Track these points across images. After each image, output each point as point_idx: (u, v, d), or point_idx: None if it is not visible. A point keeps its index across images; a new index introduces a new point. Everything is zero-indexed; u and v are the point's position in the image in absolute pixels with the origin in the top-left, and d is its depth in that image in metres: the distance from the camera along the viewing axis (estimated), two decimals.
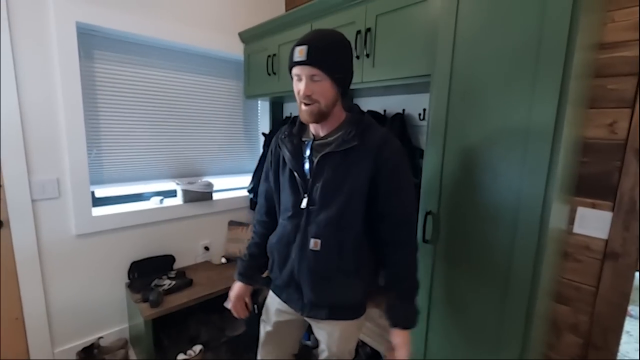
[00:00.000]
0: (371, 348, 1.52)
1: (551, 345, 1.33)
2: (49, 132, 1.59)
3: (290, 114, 2.40)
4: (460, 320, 1.14)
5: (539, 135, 0.91)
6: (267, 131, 2.37)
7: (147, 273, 1.93)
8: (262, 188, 1.18)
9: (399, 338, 0.96)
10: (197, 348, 1.78)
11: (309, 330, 1.17)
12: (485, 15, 1.00)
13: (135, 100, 1.90)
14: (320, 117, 0.92)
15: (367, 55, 1.43)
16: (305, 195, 0.97)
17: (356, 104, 1.03)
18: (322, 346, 1.12)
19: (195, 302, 1.78)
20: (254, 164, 2.34)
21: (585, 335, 1.25)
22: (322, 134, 0.98)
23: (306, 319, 1.09)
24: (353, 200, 0.93)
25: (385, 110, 1.74)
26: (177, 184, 2.10)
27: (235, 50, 2.19)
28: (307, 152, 0.99)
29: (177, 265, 2.13)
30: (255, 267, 1.18)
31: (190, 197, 2.10)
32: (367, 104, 1.85)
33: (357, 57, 1.45)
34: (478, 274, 1.08)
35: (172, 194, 2.18)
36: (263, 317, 1.20)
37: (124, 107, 1.86)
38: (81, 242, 1.75)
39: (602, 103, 1.16)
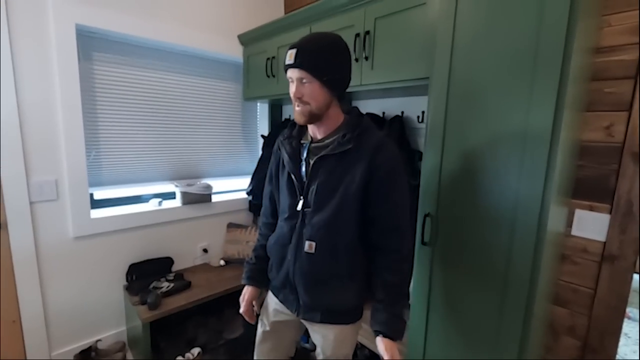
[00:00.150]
0: (370, 350, 1.52)
1: (549, 348, 1.33)
2: (48, 133, 1.59)
3: (290, 116, 2.41)
4: (459, 322, 1.15)
5: (536, 138, 0.91)
6: (266, 133, 2.37)
7: (145, 275, 1.92)
8: (266, 190, 1.19)
9: (381, 346, 0.93)
10: (195, 351, 1.78)
11: (307, 333, 1.17)
12: (483, 19, 1.00)
13: (134, 102, 1.90)
14: (312, 118, 0.94)
15: (366, 58, 1.44)
16: (301, 197, 0.98)
17: (356, 107, 1.03)
18: (318, 349, 1.12)
19: (194, 304, 1.78)
20: (252, 166, 2.34)
21: (582, 337, 1.25)
22: (319, 137, 0.99)
23: (302, 321, 1.09)
24: (347, 204, 0.93)
25: (384, 113, 1.75)
26: (176, 185, 2.10)
27: (235, 52, 2.20)
28: (304, 155, 1.00)
29: (176, 267, 2.12)
30: (262, 269, 1.17)
31: (189, 199, 2.10)
32: (366, 106, 1.86)
33: (356, 60, 1.46)
34: (476, 276, 1.08)
35: (170, 196, 2.18)
36: (261, 316, 1.21)
37: (123, 108, 1.86)
38: (79, 244, 1.75)
39: (599, 106, 1.17)
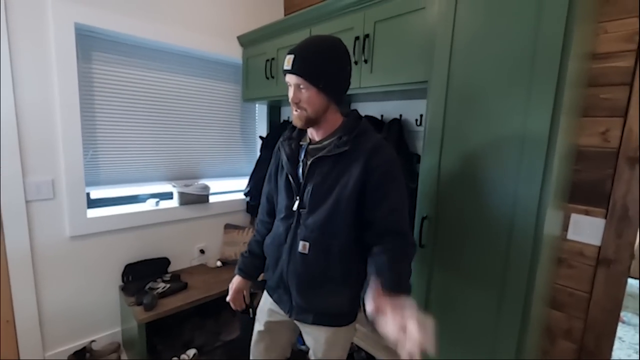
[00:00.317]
0: (366, 353, 1.51)
1: (545, 351, 1.34)
2: (45, 132, 1.58)
3: (288, 117, 2.41)
4: (456, 325, 1.15)
5: (534, 142, 0.92)
6: (264, 134, 2.37)
7: (141, 276, 1.91)
8: (265, 188, 1.21)
9: (396, 306, 0.76)
10: (191, 352, 1.77)
11: None
12: (481, 24, 1.01)
13: (133, 102, 1.89)
14: (309, 123, 0.95)
15: (365, 61, 1.44)
16: (297, 198, 0.99)
17: (355, 110, 1.03)
18: (310, 351, 1.13)
19: (190, 305, 1.77)
20: (250, 167, 2.34)
21: (578, 341, 1.26)
22: (317, 139, 1.00)
23: (295, 322, 1.10)
24: (341, 206, 0.93)
25: (382, 116, 1.76)
26: (174, 186, 2.09)
27: (234, 53, 2.20)
28: (302, 156, 1.01)
29: (172, 268, 2.11)
30: (254, 264, 1.21)
31: (187, 199, 2.09)
32: (365, 109, 1.86)
33: (356, 63, 1.47)
34: (473, 279, 1.09)
35: (168, 196, 2.17)
36: (257, 316, 1.22)
37: (121, 108, 1.86)
38: (75, 243, 1.74)
39: (595, 112, 1.18)
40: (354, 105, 1.94)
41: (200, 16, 2.03)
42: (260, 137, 2.32)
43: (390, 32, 1.37)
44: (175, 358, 1.74)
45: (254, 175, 2.25)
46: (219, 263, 2.23)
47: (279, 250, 1.04)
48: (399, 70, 1.35)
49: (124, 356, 1.88)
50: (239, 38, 2.19)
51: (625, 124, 1.12)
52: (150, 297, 1.66)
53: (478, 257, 1.07)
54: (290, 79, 0.91)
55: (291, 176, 1.01)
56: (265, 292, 1.19)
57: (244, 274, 1.22)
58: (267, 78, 1.99)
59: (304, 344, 1.84)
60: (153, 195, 2.12)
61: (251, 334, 1.24)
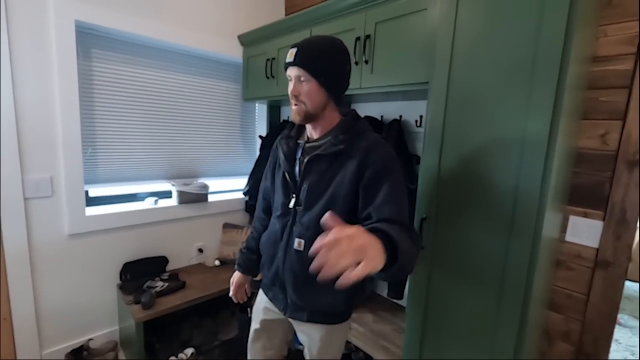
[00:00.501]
0: (364, 353, 1.52)
1: (543, 353, 1.34)
2: (44, 130, 1.58)
3: (288, 117, 2.41)
4: (454, 326, 1.15)
5: (533, 144, 0.92)
6: (264, 134, 2.37)
7: (139, 274, 1.91)
8: (262, 186, 1.23)
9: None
10: (189, 351, 1.77)
11: None
12: (482, 27, 1.01)
13: (133, 100, 1.89)
14: (307, 118, 0.95)
15: (366, 62, 1.45)
16: (294, 195, 1.00)
17: (353, 110, 1.04)
18: (305, 350, 1.13)
19: (188, 304, 1.77)
20: (250, 167, 2.33)
21: (576, 343, 1.26)
22: (315, 137, 1.01)
23: (289, 319, 1.10)
24: (336, 204, 0.93)
25: (382, 116, 1.76)
26: (173, 184, 2.09)
27: (234, 53, 2.20)
28: (299, 154, 1.02)
29: (170, 267, 2.11)
30: (252, 260, 1.24)
31: (185, 198, 2.09)
32: (365, 109, 1.87)
33: (356, 63, 1.47)
34: (472, 280, 1.09)
35: (167, 194, 2.17)
36: (253, 314, 1.23)
37: (121, 106, 1.85)
38: (73, 241, 1.73)
39: (594, 114, 1.18)
40: (354, 106, 1.95)
41: (201, 15, 2.03)
42: (260, 137, 2.32)
43: (391, 33, 1.37)
44: (173, 357, 1.73)
45: (253, 175, 2.25)
46: (217, 262, 2.22)
47: (274, 248, 1.05)
48: (399, 71, 1.35)
49: (121, 355, 1.87)
50: (239, 37, 2.19)
51: (624, 127, 1.13)
52: (148, 296, 1.66)
53: (477, 259, 1.07)
54: (292, 71, 0.92)
55: (288, 174, 1.02)
56: (260, 291, 1.19)
57: (242, 269, 1.26)
58: (268, 78, 1.99)
59: (301, 343, 1.85)
60: (152, 194, 2.11)
61: (249, 334, 1.25)
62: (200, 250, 2.25)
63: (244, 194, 2.30)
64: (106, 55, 1.77)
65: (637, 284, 3.29)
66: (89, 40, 1.71)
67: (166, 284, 1.82)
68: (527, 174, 0.94)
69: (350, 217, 0.93)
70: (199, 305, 1.84)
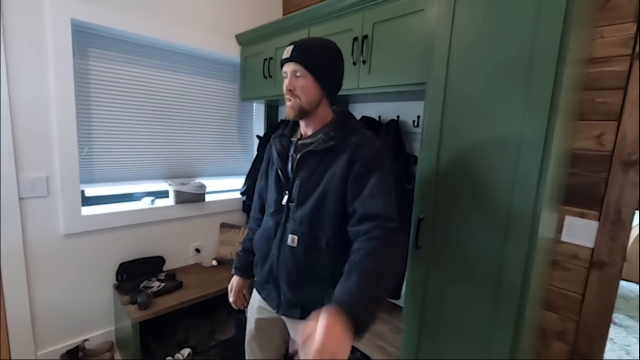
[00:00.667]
0: (361, 353, 1.52)
1: (539, 353, 1.35)
2: (40, 129, 1.56)
3: (285, 116, 2.40)
4: (451, 326, 1.15)
5: (530, 145, 0.93)
6: (261, 134, 2.37)
7: (136, 274, 1.90)
8: (258, 186, 1.23)
9: (323, 322, 0.65)
10: (185, 351, 1.76)
11: None
12: (479, 28, 1.02)
13: (130, 99, 1.88)
14: (301, 113, 0.96)
15: (364, 62, 1.45)
16: (286, 192, 1.01)
17: (346, 109, 1.05)
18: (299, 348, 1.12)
19: (185, 305, 1.76)
20: (247, 166, 2.33)
21: (571, 342, 1.27)
22: (308, 134, 1.02)
23: (282, 317, 1.10)
24: (327, 200, 0.94)
25: (380, 117, 1.76)
26: (170, 184, 2.08)
27: (232, 52, 2.19)
28: (292, 151, 1.03)
29: (167, 267, 2.10)
30: (249, 261, 1.22)
31: (182, 198, 2.08)
32: (363, 110, 1.87)
33: (354, 64, 1.47)
34: (469, 280, 1.09)
35: (164, 194, 2.16)
36: (247, 314, 1.23)
37: (118, 105, 1.84)
38: (69, 241, 1.72)
39: (590, 115, 1.19)
40: (352, 106, 1.95)
41: (199, 14, 2.02)
42: (258, 137, 2.32)
43: (389, 34, 1.37)
44: (170, 358, 1.73)
45: (251, 175, 2.25)
46: (214, 262, 2.22)
47: (268, 245, 1.05)
48: (397, 72, 1.35)
49: (117, 355, 1.86)
50: (237, 37, 2.18)
51: (619, 128, 1.13)
52: (144, 296, 1.65)
53: (473, 259, 1.08)
54: (288, 67, 0.94)
55: (281, 171, 1.03)
56: (254, 290, 1.20)
57: (240, 272, 1.24)
58: (265, 77, 1.99)
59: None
60: (148, 194, 2.10)
61: (245, 334, 1.24)
62: (197, 250, 2.24)
63: (242, 193, 2.30)
64: (103, 54, 1.76)
65: (632, 284, 3.32)
66: (86, 39, 1.70)
67: (163, 284, 1.81)
68: (523, 175, 0.95)
69: (340, 210, 0.94)
70: (195, 306, 1.83)
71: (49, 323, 1.71)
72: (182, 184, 2.10)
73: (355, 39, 1.46)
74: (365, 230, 0.86)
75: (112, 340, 1.90)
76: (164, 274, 1.96)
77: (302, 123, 1.03)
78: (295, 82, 0.94)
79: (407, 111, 1.66)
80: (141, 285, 1.80)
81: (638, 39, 1.09)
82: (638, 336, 2.53)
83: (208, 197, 2.24)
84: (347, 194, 0.92)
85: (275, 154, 1.06)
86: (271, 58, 1.94)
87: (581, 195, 1.22)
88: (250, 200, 2.26)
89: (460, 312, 1.12)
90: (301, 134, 1.05)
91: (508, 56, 0.96)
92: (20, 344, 1.62)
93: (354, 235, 0.89)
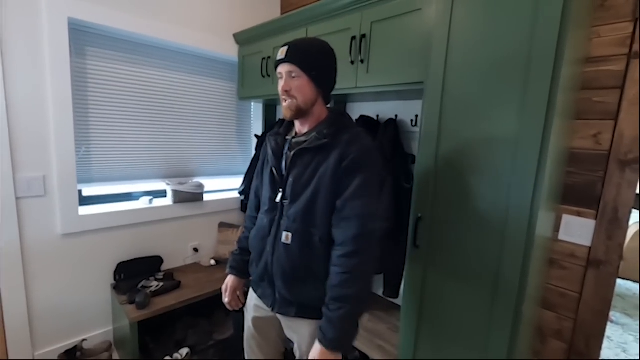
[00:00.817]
0: (360, 352, 1.52)
1: (536, 351, 1.35)
2: (37, 128, 1.56)
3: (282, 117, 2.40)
4: (449, 325, 1.16)
5: (527, 144, 0.93)
6: (259, 133, 2.36)
7: (134, 274, 1.89)
8: (253, 185, 1.23)
9: (314, 351, 0.92)
10: (184, 351, 1.76)
11: None
12: (477, 27, 1.02)
13: (127, 99, 1.87)
14: (298, 113, 0.98)
15: (362, 61, 1.45)
16: (280, 189, 1.02)
17: (339, 108, 1.05)
18: (295, 346, 1.13)
19: (183, 304, 1.76)
20: (245, 166, 2.33)
21: (568, 340, 1.27)
22: (303, 132, 1.03)
23: (277, 316, 1.10)
24: (320, 197, 0.95)
25: (378, 116, 1.76)
26: (168, 184, 2.08)
27: (230, 51, 2.19)
28: (286, 149, 1.04)
29: (165, 266, 2.10)
30: (245, 261, 1.21)
31: (181, 197, 2.07)
32: (361, 109, 1.87)
33: (352, 63, 1.47)
34: (467, 279, 1.10)
35: (162, 194, 2.16)
36: (245, 313, 1.24)
37: (116, 105, 1.83)
38: (66, 241, 1.71)
39: (587, 115, 1.20)
40: (350, 106, 1.95)
41: (196, 13, 2.01)
42: (256, 136, 2.31)
43: (387, 33, 1.37)
44: (168, 357, 1.72)
45: (249, 174, 2.25)
46: (212, 262, 2.21)
47: (263, 243, 1.06)
48: (395, 71, 1.35)
49: (115, 355, 1.86)
50: (235, 36, 2.18)
51: (616, 127, 1.14)
52: (142, 296, 1.64)
53: (471, 258, 1.08)
54: (283, 68, 0.95)
55: (275, 169, 1.04)
56: (250, 289, 1.20)
57: (236, 271, 1.23)
58: (263, 77, 1.99)
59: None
60: (146, 193, 2.10)
61: (244, 333, 1.25)
62: (196, 250, 2.24)
63: (240, 193, 2.30)
64: (100, 53, 1.76)
65: (629, 282, 3.34)
66: (83, 38, 1.69)
67: (161, 284, 1.81)
68: (521, 174, 0.95)
69: (332, 206, 0.96)
70: (193, 305, 1.83)
71: (46, 323, 1.70)
72: (180, 183, 2.09)
73: (354, 38, 1.46)
74: (342, 239, 0.92)
75: (110, 340, 1.90)
76: (162, 273, 1.95)
77: (297, 122, 1.04)
78: (291, 83, 0.95)
79: (406, 110, 1.67)
80: (139, 285, 1.80)
81: (635, 39, 1.09)
82: (635, 334, 2.54)
83: (206, 197, 2.24)
84: (337, 191, 0.94)
85: (270, 152, 1.07)
86: (269, 57, 1.93)
87: (578, 194, 1.23)
88: (248, 200, 2.26)
89: (458, 311, 1.13)
90: (296, 132, 1.06)
91: (506, 55, 0.96)
92: (18, 344, 1.61)
93: (335, 236, 0.95)
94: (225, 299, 1.22)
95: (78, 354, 1.70)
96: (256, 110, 2.48)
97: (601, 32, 1.15)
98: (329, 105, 1.07)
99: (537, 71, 0.90)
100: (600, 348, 1.21)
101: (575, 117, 1.22)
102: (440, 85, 1.11)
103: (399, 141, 1.61)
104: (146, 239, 2.01)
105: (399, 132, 1.63)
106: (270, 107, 2.45)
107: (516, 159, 0.96)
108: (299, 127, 1.05)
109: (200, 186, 2.16)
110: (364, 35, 1.43)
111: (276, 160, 1.05)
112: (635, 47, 1.09)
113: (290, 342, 1.15)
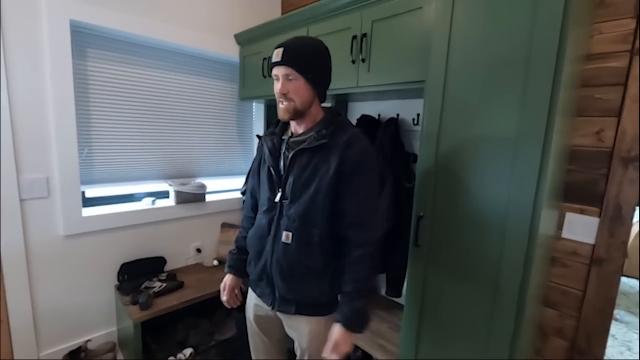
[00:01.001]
0: (363, 351, 1.52)
1: (537, 349, 1.35)
2: (39, 130, 1.57)
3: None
4: (450, 324, 1.16)
5: (529, 142, 0.93)
6: (261, 133, 2.37)
7: (137, 275, 1.90)
8: (249, 184, 1.24)
9: (334, 332, 0.97)
10: (187, 351, 1.76)
11: None
12: (478, 25, 1.02)
13: (129, 100, 1.88)
14: (296, 114, 0.98)
15: (363, 60, 1.44)
16: (279, 189, 1.03)
17: (335, 108, 1.06)
18: (295, 344, 1.14)
19: (186, 304, 1.77)
20: (247, 166, 2.33)
21: (571, 339, 1.27)
22: (299, 132, 1.04)
23: (277, 314, 1.10)
24: (320, 196, 0.96)
25: (379, 115, 1.76)
26: (170, 184, 2.08)
27: (231, 52, 2.19)
28: (283, 149, 1.05)
29: (168, 267, 2.10)
30: (243, 260, 1.21)
31: (183, 198, 2.08)
32: (362, 108, 1.87)
33: (353, 62, 1.47)
34: (468, 278, 1.10)
35: (164, 195, 2.16)
36: (246, 313, 1.24)
37: (118, 106, 1.84)
38: (70, 242, 1.72)
39: (589, 112, 1.19)
40: (351, 105, 1.95)
41: (197, 14, 2.02)
42: (258, 136, 2.31)
43: (388, 32, 1.37)
44: (172, 357, 1.73)
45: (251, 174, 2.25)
46: (215, 262, 2.22)
47: (262, 242, 1.06)
48: (396, 70, 1.35)
49: (119, 356, 1.87)
50: (235, 36, 2.18)
51: (619, 124, 1.13)
52: (145, 296, 1.65)
53: (473, 256, 1.08)
54: (279, 70, 0.95)
55: (273, 169, 1.05)
56: (249, 288, 1.21)
57: (234, 270, 1.24)
58: (264, 77, 1.99)
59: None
60: (149, 194, 2.11)
61: (247, 334, 1.26)
62: (198, 250, 2.24)
63: (242, 193, 2.30)
64: (102, 55, 1.76)
65: (633, 280, 3.32)
66: (84, 40, 1.70)
67: (164, 284, 1.82)
68: (522, 172, 0.95)
69: (332, 207, 0.98)
70: (195, 305, 1.83)
71: (51, 324, 1.71)
72: (182, 184, 2.10)
73: (354, 37, 1.46)
74: (353, 238, 0.98)
75: (114, 341, 1.91)
76: (165, 274, 1.96)
77: (293, 122, 1.04)
78: (288, 86, 0.95)
79: (407, 109, 1.66)
80: (142, 286, 1.81)
81: (637, 35, 1.08)
82: (639, 332, 2.53)
83: (208, 197, 2.24)
84: (337, 191, 0.96)
85: (267, 151, 1.07)
86: (270, 57, 1.93)
87: (581, 191, 1.22)
88: None
89: (460, 310, 1.12)
90: (292, 132, 1.06)
91: (507, 53, 0.96)
92: (23, 344, 1.63)
93: (345, 239, 0.99)
94: (224, 297, 1.23)
95: (82, 354, 1.71)
96: (258, 110, 2.48)
97: (603, 29, 1.14)
98: (329, 105, 1.07)
99: (539, 68, 0.90)
100: (604, 347, 1.21)
101: (577, 115, 1.21)
102: (441, 83, 1.11)
103: (399, 140, 1.61)
104: (149, 239, 2.01)
105: (400, 131, 1.63)
106: (271, 107, 2.45)
107: (518, 157, 0.95)
108: (295, 127, 1.05)
109: (203, 187, 2.16)
110: (364, 35, 1.43)
111: (273, 160, 1.05)
112: (638, 44, 1.08)
113: (291, 341, 1.15)
